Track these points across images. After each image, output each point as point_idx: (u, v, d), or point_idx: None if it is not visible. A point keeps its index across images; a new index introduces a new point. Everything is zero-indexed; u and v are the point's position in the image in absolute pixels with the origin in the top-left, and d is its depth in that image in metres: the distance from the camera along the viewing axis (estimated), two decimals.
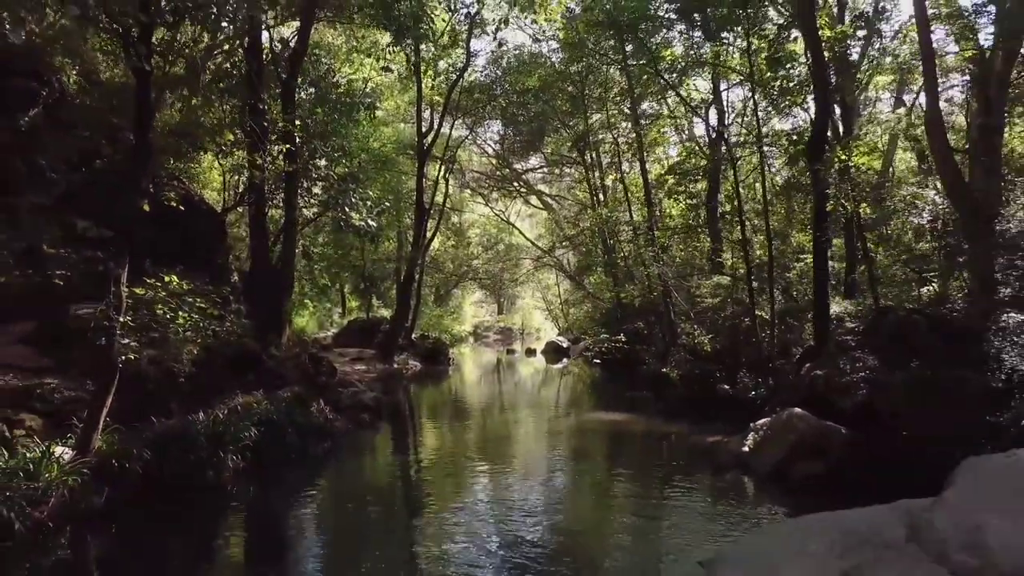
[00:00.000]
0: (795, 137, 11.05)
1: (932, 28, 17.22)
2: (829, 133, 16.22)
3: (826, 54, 11.70)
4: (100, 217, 6.65)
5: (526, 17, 17.47)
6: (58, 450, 6.35)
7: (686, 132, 21.68)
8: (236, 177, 16.67)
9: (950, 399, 7.35)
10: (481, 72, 20.95)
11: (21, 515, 5.46)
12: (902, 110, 16.97)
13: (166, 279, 6.84)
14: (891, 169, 21.28)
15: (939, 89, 17.74)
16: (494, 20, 17.27)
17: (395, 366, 17.98)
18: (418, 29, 10.97)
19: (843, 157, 10.38)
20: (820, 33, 11.40)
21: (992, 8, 11.10)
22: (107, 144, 7.74)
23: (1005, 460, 2.57)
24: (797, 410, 7.87)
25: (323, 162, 12.77)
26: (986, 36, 14.02)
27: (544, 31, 19.21)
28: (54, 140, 7.59)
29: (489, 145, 27.95)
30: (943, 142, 8.64)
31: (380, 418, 11.42)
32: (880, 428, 7.67)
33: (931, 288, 9.85)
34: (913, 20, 16.44)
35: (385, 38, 12.44)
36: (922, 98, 18.81)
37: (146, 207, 6.36)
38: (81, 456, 6.35)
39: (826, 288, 10.12)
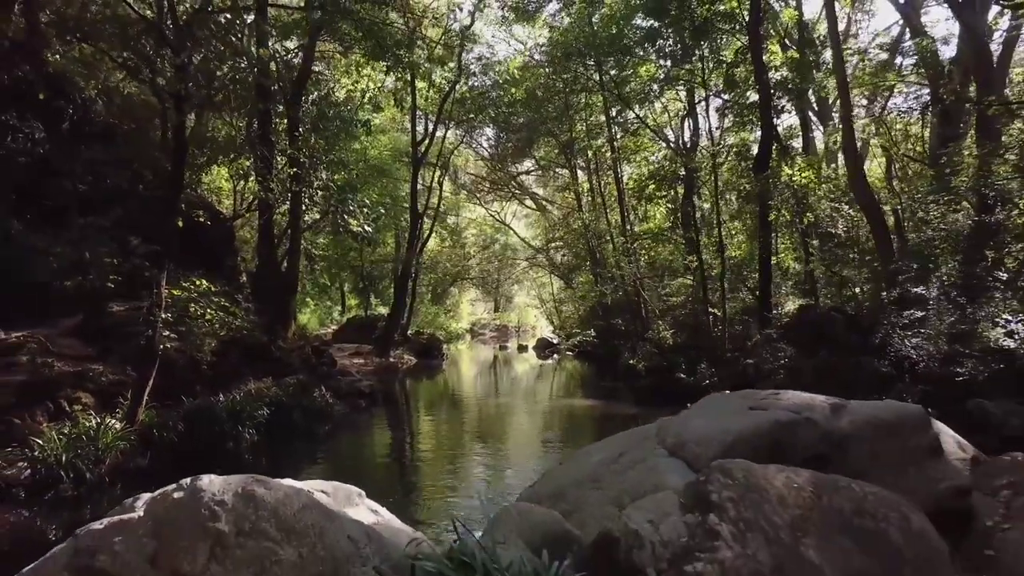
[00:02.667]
0: (745, 152, 12.56)
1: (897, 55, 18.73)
2: (802, 144, 17.78)
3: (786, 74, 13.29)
4: (148, 234, 8.23)
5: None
6: (110, 421, 7.97)
7: (672, 139, 23.22)
8: (243, 184, 18.28)
9: (848, 381, 8.93)
10: (473, 80, 22.54)
11: (89, 469, 7.10)
12: (864, 120, 18.41)
13: (197, 282, 8.46)
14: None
15: (903, 102, 19.27)
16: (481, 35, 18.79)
17: (391, 360, 19.59)
18: (411, 59, 12.42)
19: (788, 171, 11.93)
20: (772, 59, 12.98)
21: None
22: (150, 173, 9.36)
23: (720, 395, 4.18)
24: (726, 392, 9.44)
25: (324, 173, 14.34)
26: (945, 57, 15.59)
27: (529, 47, 20.80)
28: (110, 170, 9.25)
29: (483, 149, 29.48)
30: (858, 164, 10.15)
31: (375, 404, 13.02)
32: None
33: (861, 289, 11.36)
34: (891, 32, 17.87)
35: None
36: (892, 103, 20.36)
37: (180, 223, 7.95)
38: (128, 426, 7.98)
39: (769, 287, 11.65)
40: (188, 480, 2.93)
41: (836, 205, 10.89)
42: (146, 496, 3.01)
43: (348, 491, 3.56)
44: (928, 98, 16.26)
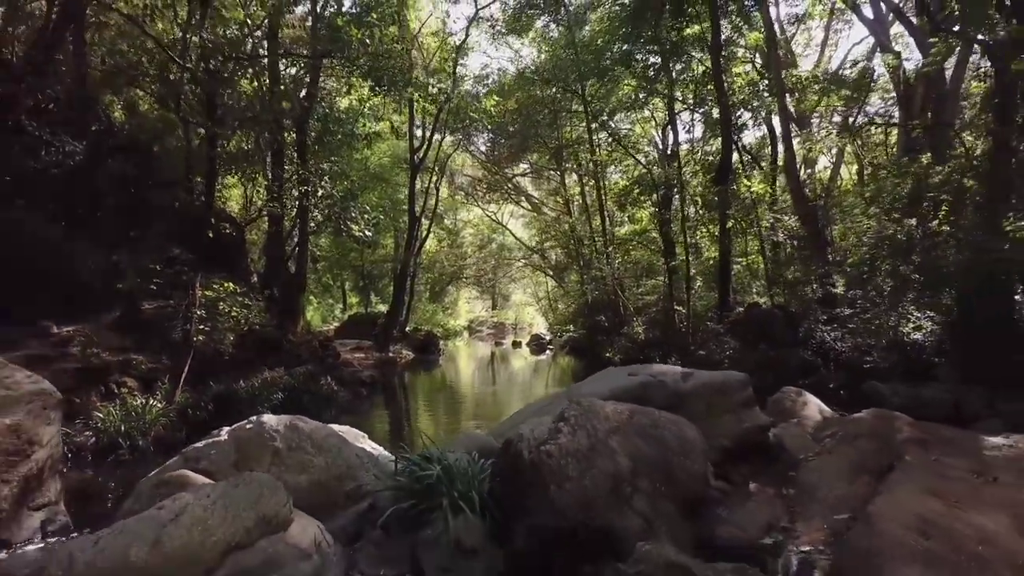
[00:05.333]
0: (709, 165, 14.21)
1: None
2: (771, 154, 19.38)
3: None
4: (183, 243, 9.98)
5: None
6: (152, 401, 9.72)
7: (659, 144, 24.88)
8: (251, 189, 20.02)
9: (781, 370, 10.62)
10: (469, 87, 24.19)
11: (141, 439, 8.85)
12: (834, 131, 19.98)
13: (225, 285, 10.20)
14: (839, 179, 24.42)
15: (871, 109, 20.82)
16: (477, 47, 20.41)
17: (390, 355, 21.33)
18: (408, 82, 14.09)
19: (747, 183, 13.58)
20: (738, 79, 14.60)
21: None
22: (184, 193, 11.12)
23: (614, 368, 5.89)
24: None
25: (327, 182, 16.06)
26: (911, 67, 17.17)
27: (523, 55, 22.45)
28: (153, 191, 11.04)
29: (479, 153, 31.15)
30: (797, 181, 11.80)
31: (375, 392, 14.78)
32: None
33: (807, 288, 13.01)
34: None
35: None
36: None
37: (210, 234, 9.69)
38: (168, 405, 9.73)
39: (728, 287, 13.30)
40: (255, 417, 4.66)
41: (778, 217, 12.55)
42: (227, 428, 4.74)
43: (356, 432, 5.30)
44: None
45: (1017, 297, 9.74)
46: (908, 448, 5.40)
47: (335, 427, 5.07)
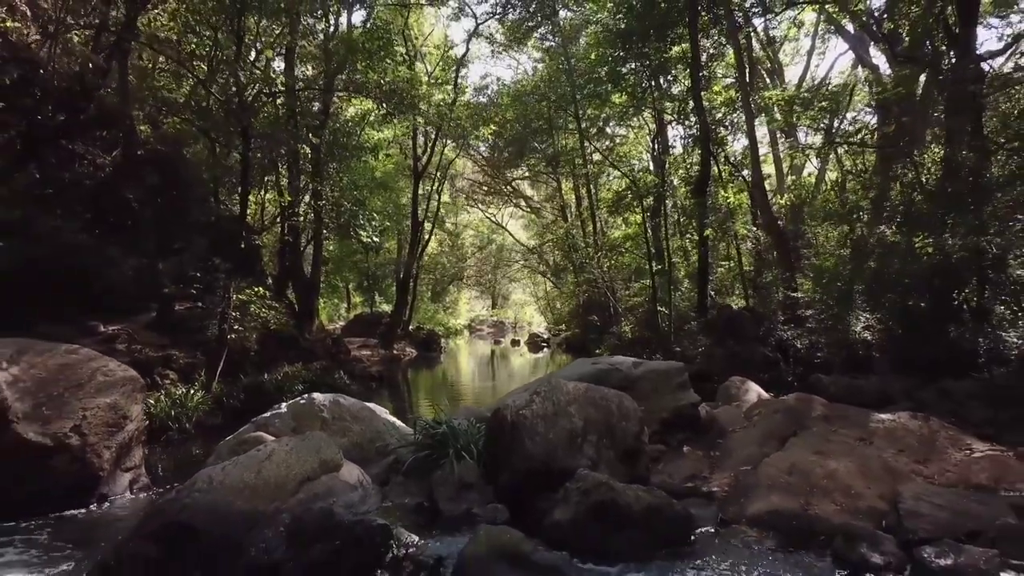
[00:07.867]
0: (689, 178, 15.79)
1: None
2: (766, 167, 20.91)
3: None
4: (225, 255, 11.60)
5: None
6: (192, 392, 11.33)
7: (652, 152, 26.48)
8: (264, 197, 21.64)
9: (746, 364, 12.18)
10: (470, 96, 25.77)
11: (187, 423, 10.46)
12: (817, 139, 21.54)
13: (256, 289, 11.82)
14: (824, 183, 25.98)
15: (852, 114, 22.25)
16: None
17: (394, 352, 22.97)
18: (414, 108, 15.68)
19: (724, 195, 15.14)
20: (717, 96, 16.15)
21: None
22: (215, 204, 12.74)
23: (582, 359, 7.49)
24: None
25: (336, 193, 17.67)
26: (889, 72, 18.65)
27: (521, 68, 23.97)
28: (195, 207, 12.69)
29: (480, 155, 32.74)
30: (764, 196, 13.34)
31: (383, 385, 16.40)
32: (708, 382, 12.55)
33: (776, 291, 14.57)
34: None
35: None
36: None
37: (243, 245, 11.29)
38: (206, 394, 11.34)
39: (706, 289, 14.86)
40: (307, 395, 6.26)
41: (749, 228, 14.07)
42: (285, 403, 6.35)
43: (381, 408, 6.90)
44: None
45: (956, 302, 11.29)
46: (815, 422, 6.98)
47: (366, 403, 6.68)
